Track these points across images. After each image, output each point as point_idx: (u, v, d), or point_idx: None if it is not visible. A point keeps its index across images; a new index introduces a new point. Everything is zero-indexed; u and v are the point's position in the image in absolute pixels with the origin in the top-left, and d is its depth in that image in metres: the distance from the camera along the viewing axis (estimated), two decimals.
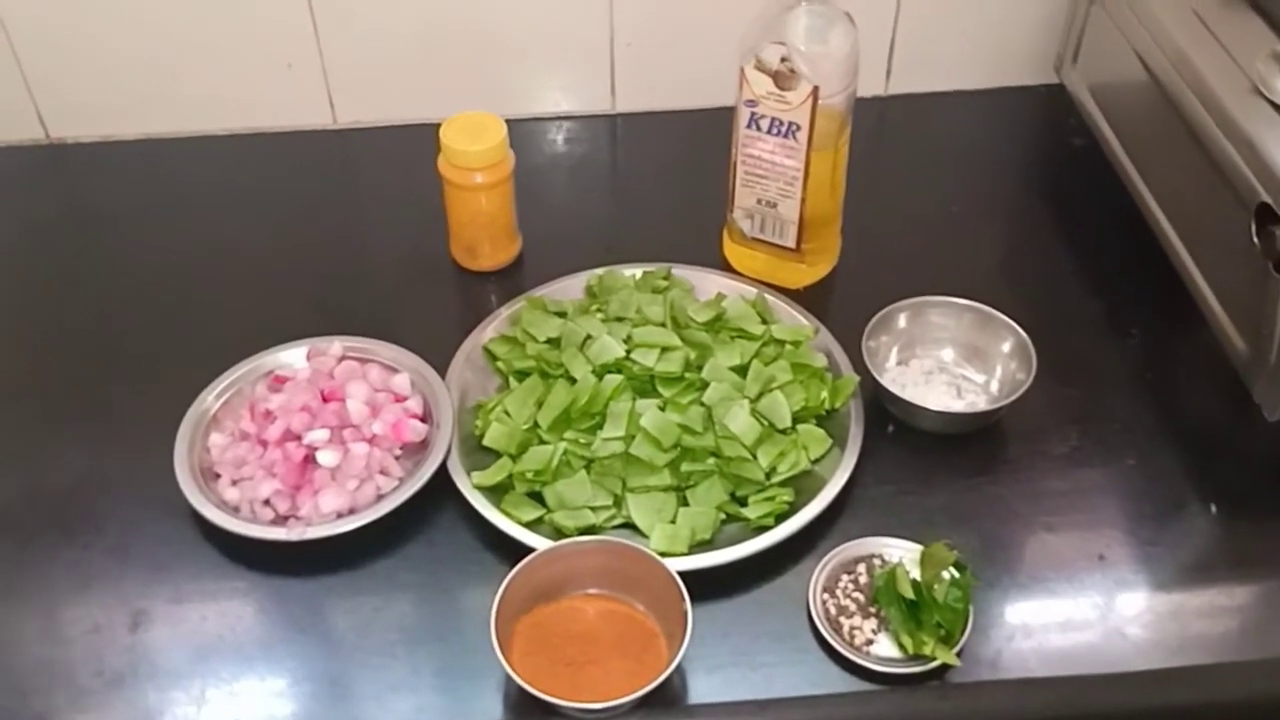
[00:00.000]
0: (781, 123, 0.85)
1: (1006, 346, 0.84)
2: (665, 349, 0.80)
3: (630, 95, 1.11)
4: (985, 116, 1.12)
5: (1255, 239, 0.75)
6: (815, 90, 0.82)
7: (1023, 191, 1.04)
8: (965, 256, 0.97)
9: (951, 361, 0.86)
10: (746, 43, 0.84)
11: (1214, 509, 0.77)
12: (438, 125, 0.89)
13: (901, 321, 0.86)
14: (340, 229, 1.01)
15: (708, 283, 0.90)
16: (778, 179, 0.88)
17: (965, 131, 1.10)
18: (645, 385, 0.80)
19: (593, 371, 0.79)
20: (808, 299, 0.91)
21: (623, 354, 0.80)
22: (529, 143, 1.07)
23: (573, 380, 0.80)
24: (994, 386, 0.84)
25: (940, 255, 0.96)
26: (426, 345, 0.85)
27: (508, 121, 0.90)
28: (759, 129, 0.86)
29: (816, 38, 0.82)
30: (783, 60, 0.82)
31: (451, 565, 0.75)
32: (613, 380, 0.78)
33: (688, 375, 0.80)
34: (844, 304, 0.92)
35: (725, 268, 0.94)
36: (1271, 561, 0.74)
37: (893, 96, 1.12)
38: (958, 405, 0.83)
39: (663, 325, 0.82)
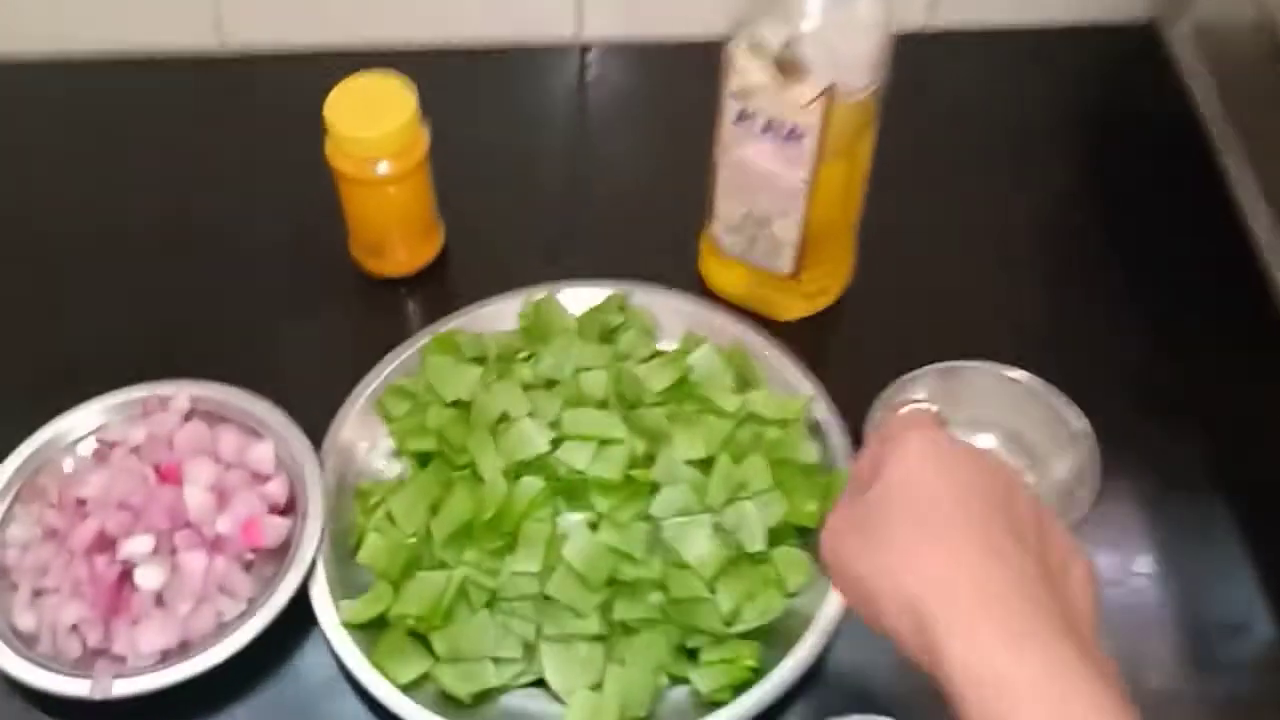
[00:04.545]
0: (782, 124, 0.62)
1: (1064, 438, 0.63)
2: (604, 442, 0.60)
3: (602, 15, 0.86)
4: (1054, 65, 0.87)
5: None
6: (830, 89, 0.60)
7: (1096, 181, 0.81)
8: (1016, 279, 0.75)
9: (989, 449, 0.66)
10: (739, 13, 0.61)
11: None
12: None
13: (921, 391, 0.65)
14: (207, 203, 0.78)
15: (676, 315, 0.69)
16: (772, 192, 0.66)
17: (1026, 88, 0.86)
18: (575, 487, 0.60)
19: (506, 472, 0.60)
20: (806, 332, 0.70)
21: (547, 448, 0.60)
22: (457, 82, 0.83)
23: (480, 479, 0.60)
24: (1042, 488, 0.64)
25: (984, 278, 0.75)
26: (306, 386, 0.67)
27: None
28: (751, 129, 0.64)
29: (836, 16, 0.59)
30: (787, 45, 0.59)
31: (323, 715, 0.58)
32: (530, 488, 0.59)
33: (633, 473, 0.60)
34: (852, 343, 0.72)
35: (702, 288, 0.73)
36: None
37: (938, 34, 0.88)
38: None
39: (604, 404, 0.62)
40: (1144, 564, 0.64)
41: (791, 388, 0.66)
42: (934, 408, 0.47)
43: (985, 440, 0.66)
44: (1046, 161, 0.82)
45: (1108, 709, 0.38)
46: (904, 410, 0.48)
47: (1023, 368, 0.65)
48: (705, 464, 0.61)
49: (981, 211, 0.78)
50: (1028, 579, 0.40)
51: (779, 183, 0.65)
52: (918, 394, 0.65)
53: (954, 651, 0.39)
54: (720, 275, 0.73)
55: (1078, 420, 0.62)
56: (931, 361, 0.65)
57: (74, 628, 0.58)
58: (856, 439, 0.63)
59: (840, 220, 0.69)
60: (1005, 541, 0.41)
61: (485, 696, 0.57)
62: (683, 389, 0.64)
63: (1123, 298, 0.74)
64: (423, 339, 0.68)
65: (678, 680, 0.58)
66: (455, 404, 0.64)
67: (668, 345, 0.69)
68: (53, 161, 0.80)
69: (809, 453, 0.63)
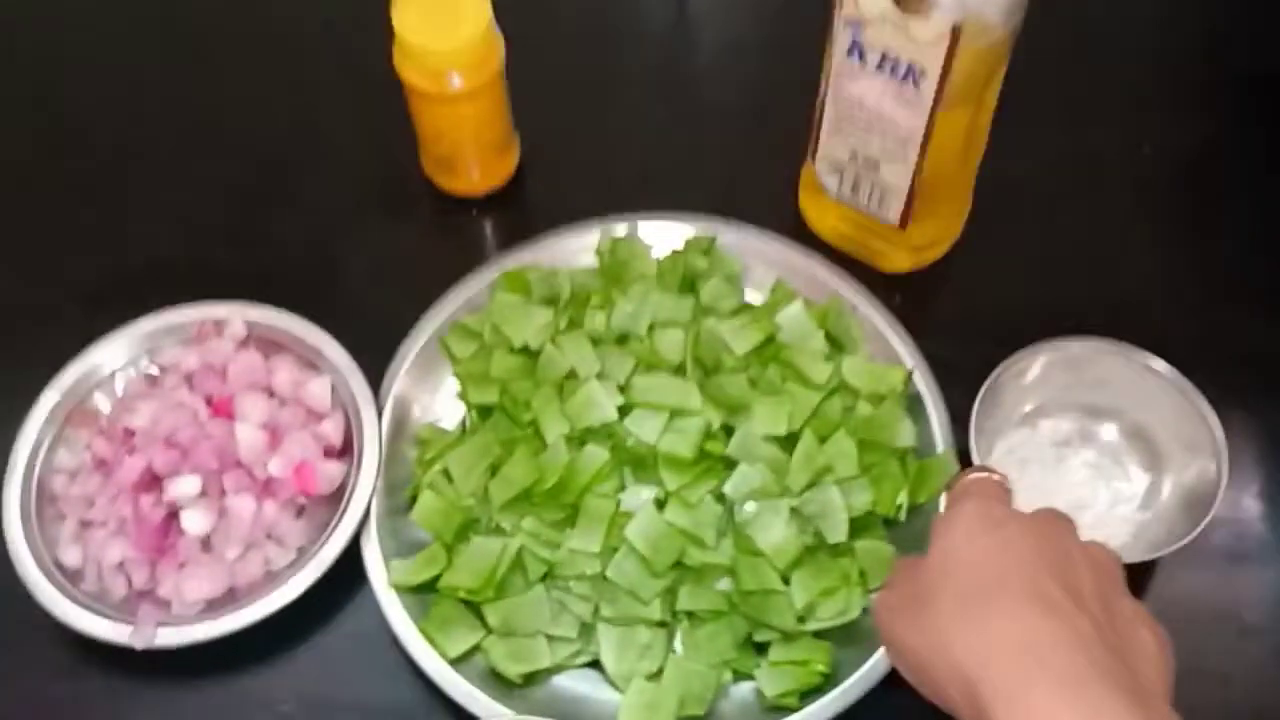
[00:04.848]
0: (898, 62, 0.55)
1: (1199, 442, 0.56)
2: (676, 413, 0.55)
3: None
4: None
5: None
6: (958, 28, 0.52)
7: (1250, 129, 0.71)
8: (1156, 244, 0.67)
9: (1108, 441, 0.59)
10: None
11: None
12: None
13: (1037, 367, 0.59)
14: (270, 111, 0.72)
15: (767, 259, 0.63)
16: (883, 135, 0.58)
17: (1174, 19, 0.75)
18: (643, 459, 0.56)
19: (569, 437, 0.55)
20: (910, 289, 0.64)
21: (614, 415, 0.55)
22: None
23: (543, 441, 0.56)
24: (1163, 491, 0.57)
25: (1118, 240, 0.67)
26: (368, 314, 0.63)
27: None
28: (864, 62, 0.56)
29: None
30: None
31: (370, 677, 0.56)
32: (594, 459, 0.55)
33: (707, 446, 0.55)
34: (962, 305, 0.65)
35: (799, 226, 0.66)
36: None
37: None
38: (1084, 519, 0.57)
39: (680, 369, 0.57)
40: (1265, 573, 0.58)
41: (890, 355, 0.60)
42: (997, 475, 0.45)
43: (1108, 431, 0.59)
44: (1198, 103, 0.72)
45: None
46: (967, 477, 0.45)
47: (1153, 346, 0.58)
48: (787, 441, 0.56)
49: (1119, 162, 0.70)
50: (1082, 638, 0.38)
51: (891, 126, 0.58)
52: (1033, 371, 0.59)
53: (1003, 713, 0.37)
54: (819, 215, 0.66)
55: (1217, 427, 0.55)
56: (1052, 334, 0.59)
57: (120, 565, 0.56)
58: (960, 422, 0.57)
59: (958, 171, 0.61)
60: (1056, 603, 0.39)
61: (535, 677, 0.54)
62: (768, 351, 0.59)
63: (1270, 273, 0.66)
64: (492, 272, 0.63)
65: (741, 676, 0.54)
66: (522, 350, 0.59)
67: (755, 293, 0.63)
68: (119, 73, 0.75)
69: (905, 434, 0.57)
